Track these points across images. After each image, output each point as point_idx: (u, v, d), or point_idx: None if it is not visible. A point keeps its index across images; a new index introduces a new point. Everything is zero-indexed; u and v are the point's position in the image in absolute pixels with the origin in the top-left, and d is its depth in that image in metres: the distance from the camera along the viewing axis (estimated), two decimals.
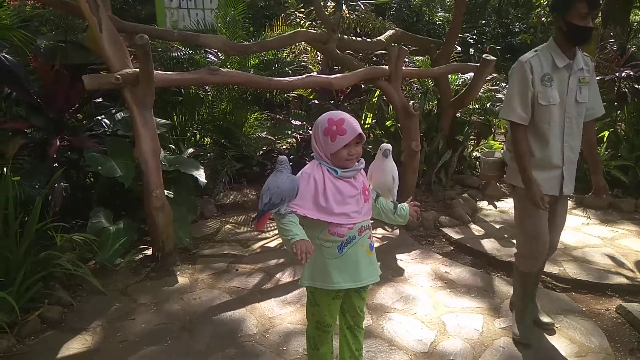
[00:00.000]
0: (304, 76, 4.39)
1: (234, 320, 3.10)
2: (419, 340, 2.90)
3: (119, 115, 4.45)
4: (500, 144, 6.23)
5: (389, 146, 2.44)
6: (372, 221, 2.21)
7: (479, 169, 2.77)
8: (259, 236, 4.35)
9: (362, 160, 2.20)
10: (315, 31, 5.64)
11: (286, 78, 4.34)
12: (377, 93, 5.91)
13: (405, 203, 2.45)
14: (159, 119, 4.51)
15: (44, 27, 5.50)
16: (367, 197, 2.19)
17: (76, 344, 2.85)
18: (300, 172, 2.13)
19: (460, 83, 6.61)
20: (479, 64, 5.34)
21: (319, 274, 2.17)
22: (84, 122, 4.38)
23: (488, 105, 6.35)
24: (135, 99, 3.61)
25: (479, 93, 6.10)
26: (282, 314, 3.17)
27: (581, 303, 3.37)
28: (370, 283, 2.26)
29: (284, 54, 6.70)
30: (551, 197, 2.73)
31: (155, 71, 3.62)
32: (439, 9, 15.95)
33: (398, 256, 4.03)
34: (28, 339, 2.89)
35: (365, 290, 2.34)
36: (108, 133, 4.32)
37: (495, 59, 5.28)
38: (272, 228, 4.39)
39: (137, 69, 3.54)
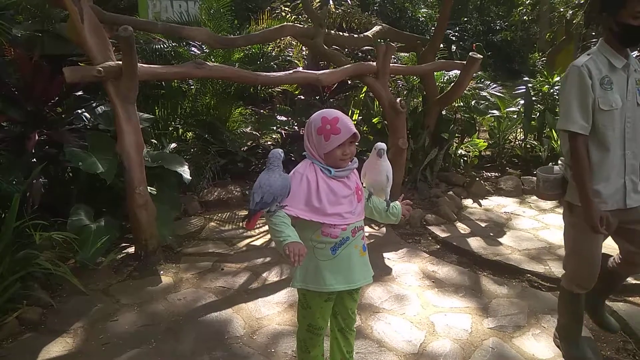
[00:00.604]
0: (291, 71, 4.33)
1: (221, 321, 3.03)
2: (409, 341, 2.87)
3: (99, 109, 4.33)
4: (484, 142, 6.26)
5: (383, 146, 2.39)
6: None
7: (535, 185, 2.62)
8: (245, 234, 4.28)
9: (356, 159, 2.15)
10: (301, 25, 5.56)
11: (273, 73, 4.27)
12: (364, 89, 5.87)
13: (397, 202, 2.42)
14: (142, 114, 4.40)
15: (19, 15, 5.31)
16: (360, 197, 2.15)
17: (57, 347, 2.76)
18: (292, 172, 2.08)
19: (445, 80, 6.61)
20: (465, 62, 5.34)
21: (312, 276, 2.12)
22: (64, 115, 4.25)
23: (473, 103, 6.37)
24: (118, 93, 3.51)
25: (464, 91, 6.12)
26: (270, 314, 3.12)
27: None
28: (363, 284, 2.22)
29: (269, 48, 6.62)
30: (618, 212, 2.45)
31: (139, 64, 3.51)
32: (422, 6, 16.00)
33: (385, 255, 4.01)
34: (6, 341, 2.79)
35: (357, 292, 2.30)
36: (89, 127, 4.19)
37: (481, 57, 5.29)
38: (259, 225, 4.32)
39: (120, 62, 3.43)
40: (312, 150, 2.07)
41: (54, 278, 3.30)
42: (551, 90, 6.52)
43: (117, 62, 3.48)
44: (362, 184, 2.27)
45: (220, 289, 3.42)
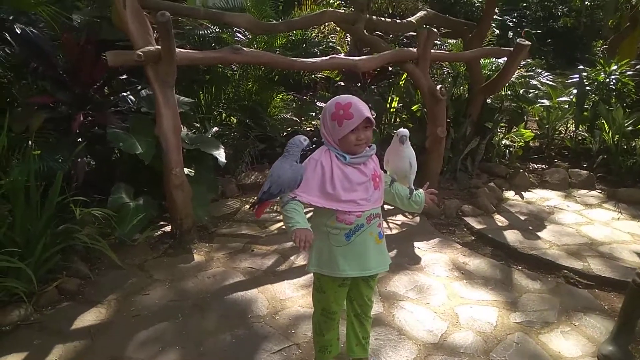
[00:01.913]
0: (328, 57, 4.32)
1: (246, 300, 3.11)
2: (430, 330, 2.85)
3: (144, 92, 4.47)
4: (531, 132, 6.02)
5: (406, 132, 2.37)
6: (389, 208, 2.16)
7: None
8: (277, 217, 4.34)
9: (374, 146, 2.14)
10: (343, 11, 5.52)
11: (310, 59, 4.27)
12: (404, 76, 5.77)
13: (421, 190, 2.39)
14: (182, 97, 4.53)
15: (80, 2, 5.55)
16: (377, 184, 2.14)
17: (91, 316, 2.92)
18: (308, 158, 2.09)
19: (493, 68, 6.39)
20: (512, 49, 5.15)
21: (326, 261, 2.14)
22: (112, 98, 4.43)
23: (521, 91, 6.13)
24: (157, 77, 3.62)
25: (512, 79, 5.91)
26: (294, 296, 3.17)
27: (604, 301, 3.24)
28: (379, 272, 2.22)
29: (313, 34, 6.61)
30: None
31: (177, 49, 3.61)
32: None
33: (416, 244, 3.97)
34: (45, 308, 2.97)
35: (373, 279, 2.30)
36: (133, 110, 4.35)
37: (529, 43, 5.08)
38: None
39: (160, 47, 3.53)
40: (327, 137, 2.08)
41: (93, 252, 3.48)
42: (607, 80, 6.16)
43: (156, 47, 3.58)
44: (382, 170, 2.25)
45: (249, 269, 3.50)
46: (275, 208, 4.39)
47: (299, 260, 3.62)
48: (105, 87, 4.53)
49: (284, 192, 1.98)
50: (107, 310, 2.99)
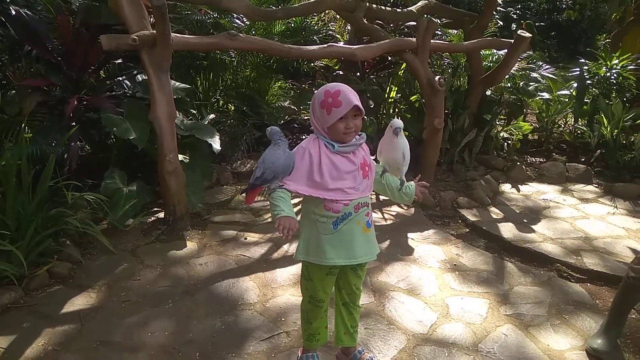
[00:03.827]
0: (325, 45, 4.28)
1: (237, 288, 3.11)
2: (420, 321, 2.84)
3: (139, 77, 4.45)
4: (530, 125, 5.99)
5: (400, 123, 2.34)
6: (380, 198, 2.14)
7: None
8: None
9: (364, 134, 2.12)
10: None
11: (307, 47, 4.23)
12: (402, 66, 5.73)
13: (412, 182, 2.37)
14: (178, 83, 4.50)
15: None
16: (366, 173, 2.12)
17: (81, 300, 2.92)
18: (296, 147, 2.08)
19: (494, 60, 6.35)
20: (513, 40, 5.11)
21: (313, 248, 2.13)
22: (108, 82, 4.40)
23: (521, 84, 6.10)
24: (152, 62, 3.59)
25: (512, 71, 5.87)
26: (285, 285, 3.16)
27: (595, 295, 3.23)
28: (366, 261, 2.21)
29: (313, 22, 6.57)
30: None
31: (172, 34, 3.57)
32: None
33: (410, 235, 3.96)
34: (36, 292, 2.97)
35: (362, 268, 2.29)
36: (128, 95, 4.33)
37: (530, 35, 5.05)
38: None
39: (155, 31, 3.50)
40: (316, 125, 2.06)
41: (85, 236, 3.48)
42: (608, 74, 6.12)
43: (151, 31, 3.55)
44: (372, 160, 2.23)
45: (241, 257, 3.50)
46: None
47: (292, 248, 3.61)
48: (101, 71, 4.51)
49: (277, 177, 1.97)
50: (97, 295, 2.99)
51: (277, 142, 2.02)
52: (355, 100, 1.96)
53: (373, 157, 2.28)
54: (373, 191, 2.26)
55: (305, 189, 2.03)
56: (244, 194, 2.12)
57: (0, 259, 2.91)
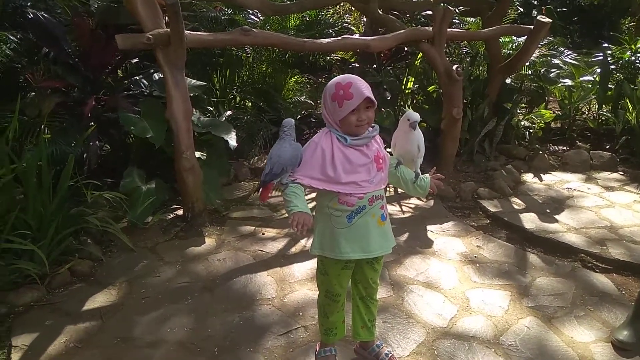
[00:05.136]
0: (339, 38, 4.24)
1: (255, 283, 3.12)
2: (439, 314, 2.81)
3: (156, 76, 4.48)
4: (552, 113, 5.85)
5: (417, 116, 2.29)
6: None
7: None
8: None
9: (377, 126, 2.09)
10: None
11: (321, 40, 4.20)
12: (419, 56, 5.65)
13: (427, 175, 2.33)
14: (194, 81, 4.52)
15: None
16: (380, 165, 2.09)
17: (102, 298, 2.96)
18: (308, 142, 2.06)
19: (514, 47, 6.22)
20: (532, 27, 4.99)
21: (328, 243, 2.11)
22: (125, 82, 4.44)
23: (542, 71, 5.95)
24: (167, 60, 3.60)
25: (533, 58, 5.73)
26: (303, 279, 3.16)
27: (622, 286, 3.14)
28: (381, 255, 2.18)
29: (328, 15, 6.52)
30: None
31: (187, 32, 3.58)
32: None
33: (429, 227, 3.91)
34: (58, 290, 3.03)
35: (378, 261, 2.26)
36: (145, 94, 4.36)
37: (550, 21, 4.92)
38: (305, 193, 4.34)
39: (169, 29, 3.51)
40: (328, 118, 2.04)
41: (106, 235, 3.53)
42: (632, 58, 5.93)
43: (166, 29, 3.56)
44: (386, 152, 2.20)
45: (259, 252, 3.50)
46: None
47: (309, 243, 3.57)
48: (118, 71, 4.56)
49: (287, 170, 1.96)
50: (117, 292, 3.03)
51: (281, 136, 2.01)
52: (367, 91, 1.93)
53: (388, 150, 2.25)
54: (389, 184, 2.23)
55: (319, 183, 2.02)
56: (257, 192, 2.11)
57: (23, 258, 2.97)
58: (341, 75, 2.02)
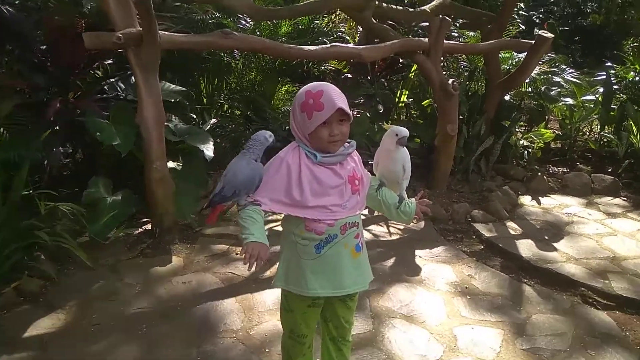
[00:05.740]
0: (328, 45, 3.98)
1: (220, 311, 2.81)
2: (423, 355, 2.50)
3: (134, 79, 4.20)
4: (552, 132, 5.59)
5: (406, 132, 2.00)
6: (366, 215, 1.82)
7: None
8: (270, 218, 4.00)
9: (353, 142, 1.81)
10: None
11: (308, 47, 3.94)
12: (413, 68, 5.39)
13: (413, 199, 2.04)
14: (173, 86, 4.24)
15: None
16: (356, 187, 1.79)
17: (47, 322, 2.65)
18: (274, 157, 1.77)
19: (514, 63, 5.98)
20: (533, 42, 4.75)
21: (294, 275, 1.82)
22: (102, 83, 4.16)
23: (543, 88, 5.70)
24: (139, 61, 3.34)
25: (533, 74, 5.50)
26: (274, 309, 2.84)
27: (626, 326, 2.85)
28: (355, 292, 1.88)
29: (323, 23, 6.28)
30: None
31: (160, 32, 3.31)
32: None
33: (418, 252, 3.61)
34: (1, 312, 2.71)
35: (352, 298, 1.95)
36: (121, 98, 4.08)
37: (552, 36, 4.68)
38: None
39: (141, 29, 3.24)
40: (297, 131, 1.75)
41: (64, 251, 3.21)
42: (637, 78, 5.69)
43: (138, 29, 3.29)
44: (365, 172, 1.90)
45: (229, 275, 3.20)
46: None
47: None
48: (97, 72, 4.27)
49: (238, 194, 1.68)
50: (66, 317, 2.71)
51: (246, 151, 1.72)
52: (340, 102, 1.64)
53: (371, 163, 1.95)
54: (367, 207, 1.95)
55: (282, 207, 1.73)
56: (203, 210, 1.82)
57: None
58: (314, 83, 1.73)
